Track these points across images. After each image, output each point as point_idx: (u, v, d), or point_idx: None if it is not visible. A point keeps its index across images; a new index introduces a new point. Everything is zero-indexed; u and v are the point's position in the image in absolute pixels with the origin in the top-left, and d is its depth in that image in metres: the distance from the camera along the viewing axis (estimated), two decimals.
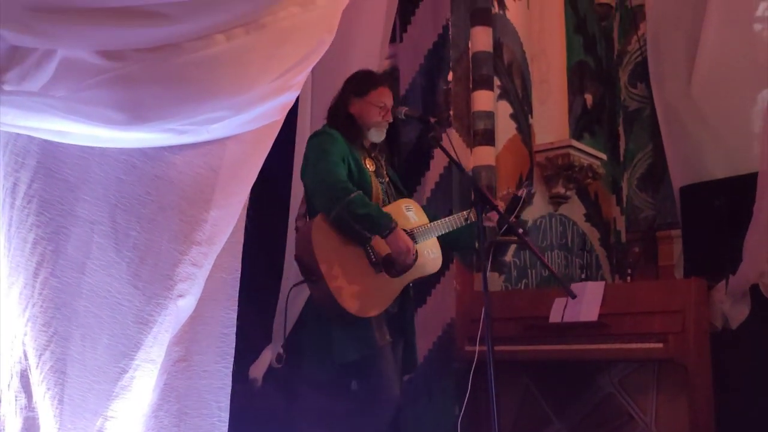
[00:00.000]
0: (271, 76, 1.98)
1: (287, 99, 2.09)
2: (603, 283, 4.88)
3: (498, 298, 5.38)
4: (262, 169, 4.48)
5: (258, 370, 4.54)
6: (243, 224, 2.28)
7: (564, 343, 4.72)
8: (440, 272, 5.63)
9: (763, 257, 4.47)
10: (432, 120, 3.39)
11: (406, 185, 5.84)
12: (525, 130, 6.28)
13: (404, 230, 3.26)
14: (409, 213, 3.44)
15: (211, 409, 2.20)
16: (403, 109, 3.48)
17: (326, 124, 3.50)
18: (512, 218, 3.30)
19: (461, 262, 5.65)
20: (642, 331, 4.55)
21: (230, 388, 2.26)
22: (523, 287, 5.97)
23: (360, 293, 3.11)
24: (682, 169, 5.06)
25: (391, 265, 3.20)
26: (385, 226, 3.17)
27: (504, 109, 6.13)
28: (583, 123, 6.81)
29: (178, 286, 1.94)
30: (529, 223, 6.17)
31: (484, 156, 5.83)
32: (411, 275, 3.32)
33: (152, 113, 1.79)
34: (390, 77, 3.64)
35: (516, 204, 3.33)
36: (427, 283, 5.72)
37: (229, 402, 2.25)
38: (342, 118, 3.44)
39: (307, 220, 3.34)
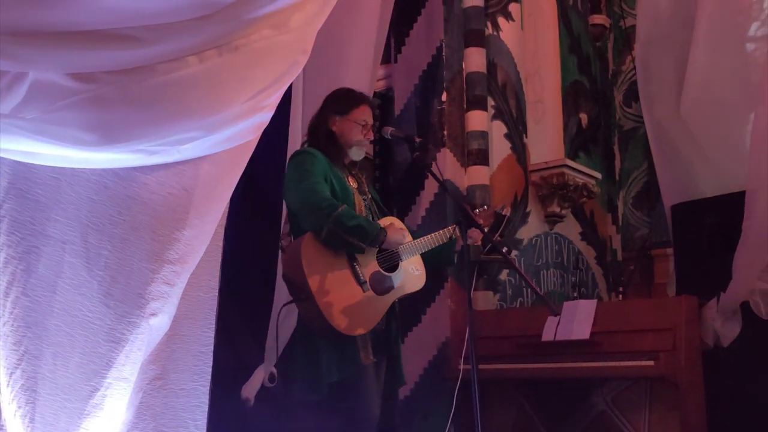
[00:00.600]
0: (243, 97, 2.01)
1: (261, 119, 2.12)
2: (595, 301, 4.88)
3: (491, 317, 5.40)
4: (254, 186, 4.49)
5: (250, 389, 4.55)
6: (220, 243, 2.31)
7: (556, 362, 4.72)
8: (435, 291, 5.70)
9: (753, 274, 4.47)
10: (417, 140, 3.40)
11: (401, 204, 5.90)
12: (519, 150, 6.30)
13: (388, 250, 3.27)
14: None
15: (188, 427, 2.22)
16: (389, 130, 3.50)
17: (306, 142, 3.52)
18: (496, 237, 3.31)
19: (455, 281, 5.67)
20: (633, 349, 4.56)
21: (207, 406, 2.28)
22: (518, 306, 5.98)
23: (348, 311, 3.11)
24: (674, 188, 5.07)
25: (379, 281, 3.22)
26: (377, 234, 3.19)
27: (498, 129, 6.17)
28: (578, 142, 6.84)
29: (150, 304, 1.96)
30: (525, 242, 6.19)
31: (478, 176, 5.87)
32: (397, 293, 3.32)
33: (123, 134, 1.82)
34: (370, 96, 3.66)
35: (500, 223, 3.35)
36: (422, 301, 5.74)
37: (206, 420, 2.26)
38: (323, 136, 3.45)
39: (291, 239, 3.35)
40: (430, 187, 5.79)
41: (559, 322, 4.86)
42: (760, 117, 4.42)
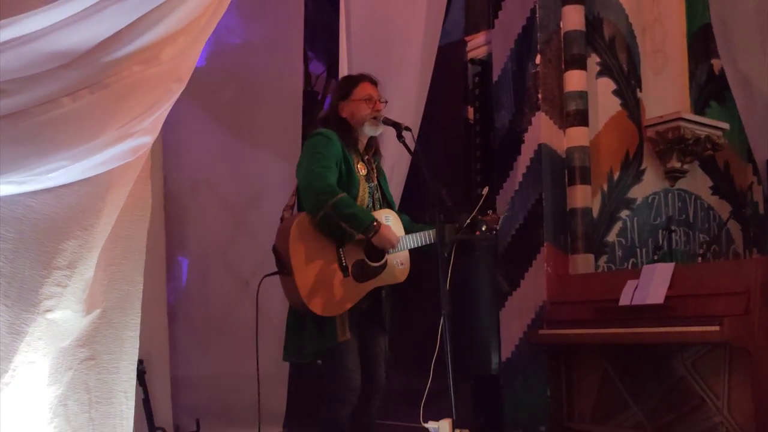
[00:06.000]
0: (112, 128, 2.36)
1: (137, 143, 2.46)
2: (672, 264, 4.74)
3: (575, 282, 5.40)
4: None
5: None
6: (143, 244, 2.70)
7: (631, 326, 4.69)
8: (532, 256, 5.77)
9: None
10: (403, 126, 3.56)
11: (500, 169, 6.00)
12: (632, 106, 6.12)
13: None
14: (387, 223, 3.59)
15: (120, 398, 2.67)
16: (382, 116, 3.66)
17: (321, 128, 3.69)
18: (474, 215, 3.41)
19: (552, 244, 5.70)
20: (705, 314, 4.43)
21: (135, 380, 2.72)
22: (630, 267, 5.87)
23: (323, 292, 3.35)
24: (766, 141, 4.73)
25: (360, 269, 3.42)
26: (370, 225, 3.37)
27: (605, 86, 6.03)
28: (708, 90, 6.45)
29: (43, 303, 2.41)
30: (639, 201, 6.03)
31: (577, 137, 5.80)
32: (376, 283, 3.49)
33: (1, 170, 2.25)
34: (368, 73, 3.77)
35: (477, 202, 3.45)
36: (520, 266, 5.83)
37: (134, 391, 2.71)
38: (335, 123, 3.63)
39: (293, 212, 3.59)
40: (527, 152, 5.83)
41: (637, 286, 4.80)
42: None
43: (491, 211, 3.45)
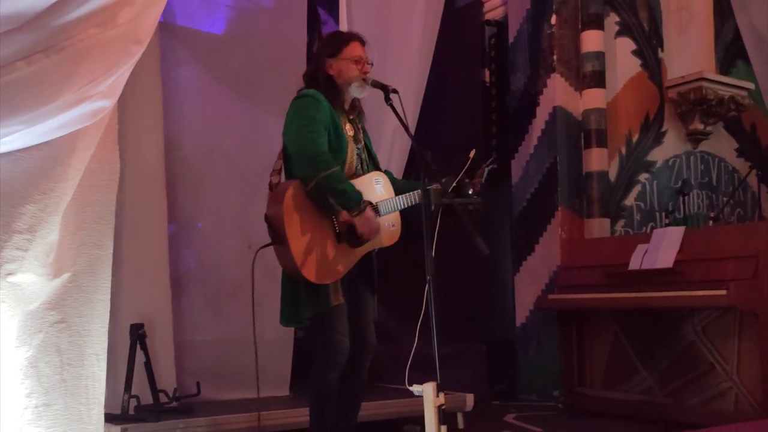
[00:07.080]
0: (69, 90, 2.36)
1: (95, 107, 2.46)
2: (683, 228, 4.63)
3: (586, 247, 5.30)
4: None
5: None
6: (113, 209, 2.72)
7: (640, 291, 4.60)
8: (546, 220, 5.69)
9: None
10: (391, 88, 3.49)
11: (516, 131, 5.90)
12: (653, 66, 5.96)
13: (370, 202, 3.40)
14: (377, 186, 3.49)
15: (92, 360, 2.71)
16: (370, 79, 3.59)
17: (306, 87, 3.60)
18: (460, 178, 3.34)
19: (567, 208, 5.61)
20: (714, 278, 4.33)
21: (106, 342, 2.74)
22: (649, 231, 5.75)
23: (319, 261, 3.30)
24: None
25: (353, 236, 3.38)
26: (357, 205, 3.32)
27: (624, 46, 5.88)
28: (734, 49, 6.24)
29: (4, 266, 2.45)
30: (659, 164, 5.89)
31: (593, 99, 5.67)
32: (368, 247, 3.45)
33: None
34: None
35: (463, 165, 3.37)
36: (534, 231, 5.76)
37: (105, 353, 2.74)
38: (322, 81, 3.55)
39: (282, 178, 3.55)
40: (542, 115, 5.74)
41: (647, 251, 4.70)
42: None
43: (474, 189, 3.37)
